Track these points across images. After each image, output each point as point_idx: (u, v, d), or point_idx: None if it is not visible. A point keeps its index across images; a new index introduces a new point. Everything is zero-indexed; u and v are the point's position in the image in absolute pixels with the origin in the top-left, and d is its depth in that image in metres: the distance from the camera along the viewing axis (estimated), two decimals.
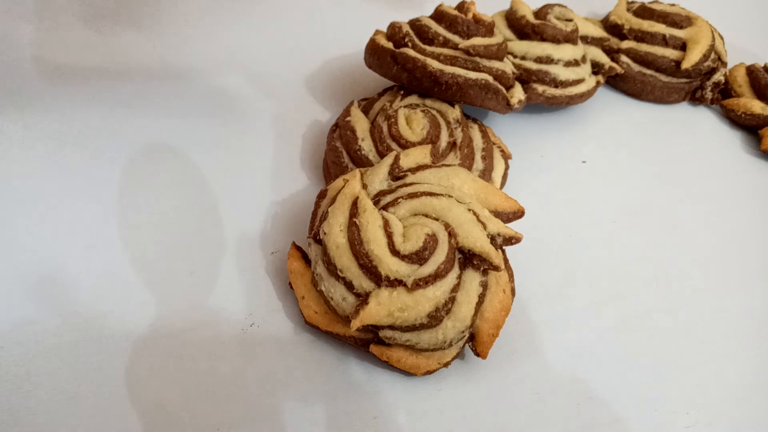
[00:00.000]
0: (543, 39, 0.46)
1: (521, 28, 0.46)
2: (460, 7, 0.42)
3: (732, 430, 0.32)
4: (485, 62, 0.40)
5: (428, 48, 0.39)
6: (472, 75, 0.39)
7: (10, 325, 0.31)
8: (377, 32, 0.43)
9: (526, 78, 0.46)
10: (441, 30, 0.40)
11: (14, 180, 0.37)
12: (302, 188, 0.40)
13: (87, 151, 0.40)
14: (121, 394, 0.29)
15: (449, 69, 0.38)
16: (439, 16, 0.41)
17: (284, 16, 0.53)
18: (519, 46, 0.46)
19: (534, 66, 0.46)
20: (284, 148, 0.43)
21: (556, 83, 0.46)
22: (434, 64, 0.38)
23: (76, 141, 0.40)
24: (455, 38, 0.40)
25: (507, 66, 0.42)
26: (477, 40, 0.39)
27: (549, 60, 0.46)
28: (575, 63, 0.47)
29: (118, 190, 0.38)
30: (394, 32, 0.41)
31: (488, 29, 0.41)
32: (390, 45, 0.40)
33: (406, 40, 0.40)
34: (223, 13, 0.53)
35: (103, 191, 0.37)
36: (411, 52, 0.39)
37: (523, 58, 0.46)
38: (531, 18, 0.46)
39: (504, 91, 0.40)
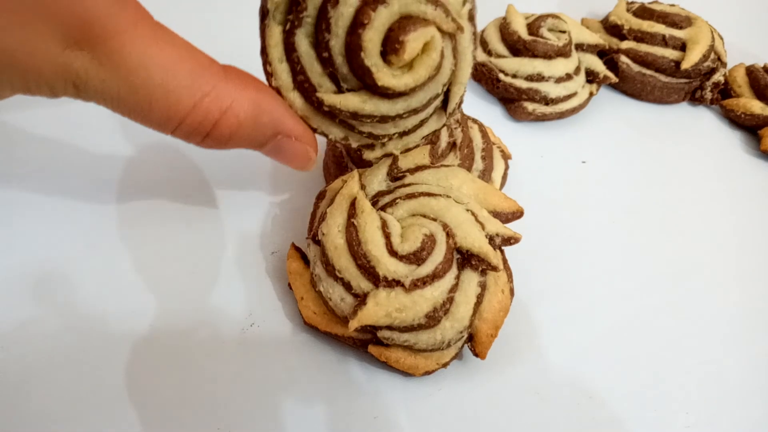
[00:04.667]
0: (534, 56, 0.46)
1: (513, 44, 0.47)
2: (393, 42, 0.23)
3: (732, 430, 0.32)
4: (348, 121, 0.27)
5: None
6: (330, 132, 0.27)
7: (10, 325, 0.31)
8: None
9: (516, 96, 0.47)
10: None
11: (14, 180, 0.37)
12: (302, 188, 0.40)
13: (87, 151, 0.40)
14: (121, 394, 0.29)
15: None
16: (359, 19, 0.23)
17: None
18: (510, 63, 0.47)
19: (525, 85, 0.46)
20: None
21: (547, 101, 0.46)
22: (293, 103, 0.27)
23: (77, 140, 0.40)
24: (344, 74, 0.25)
25: (383, 129, 0.27)
26: (339, 99, 0.25)
27: (540, 78, 0.46)
28: (567, 77, 0.46)
29: (118, 190, 0.38)
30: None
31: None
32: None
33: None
34: (224, 11, 0.53)
35: (103, 191, 0.37)
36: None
37: (514, 76, 0.46)
38: (524, 34, 0.46)
39: (348, 158, 0.28)
